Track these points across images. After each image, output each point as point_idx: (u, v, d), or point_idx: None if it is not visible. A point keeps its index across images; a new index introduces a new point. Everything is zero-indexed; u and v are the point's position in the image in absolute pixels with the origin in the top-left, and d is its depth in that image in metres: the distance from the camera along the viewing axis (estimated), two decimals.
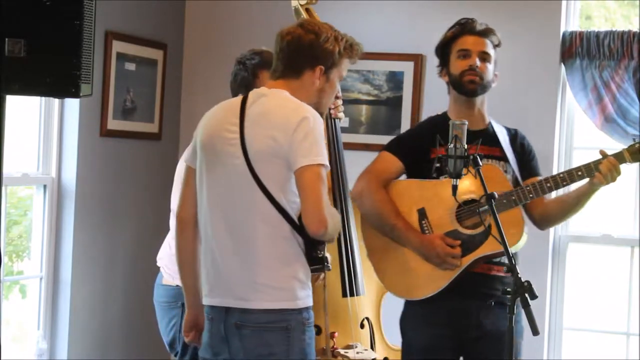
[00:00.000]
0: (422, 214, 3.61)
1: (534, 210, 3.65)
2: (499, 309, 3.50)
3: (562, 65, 4.96)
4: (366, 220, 3.70)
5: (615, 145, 4.80)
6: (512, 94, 4.97)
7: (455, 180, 3.16)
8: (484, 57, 3.62)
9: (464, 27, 3.67)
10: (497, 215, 3.09)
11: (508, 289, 2.96)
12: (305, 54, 3.13)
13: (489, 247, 3.47)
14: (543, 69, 4.97)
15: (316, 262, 3.08)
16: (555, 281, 5.03)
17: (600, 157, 3.47)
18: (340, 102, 3.92)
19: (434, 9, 5.12)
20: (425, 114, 5.12)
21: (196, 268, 3.20)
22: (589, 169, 3.45)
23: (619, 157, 3.43)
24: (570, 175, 3.47)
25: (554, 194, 3.68)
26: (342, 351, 3.72)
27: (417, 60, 5.15)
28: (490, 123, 3.70)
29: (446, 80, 3.69)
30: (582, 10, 5.12)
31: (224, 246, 3.07)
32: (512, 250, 3.44)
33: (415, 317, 3.68)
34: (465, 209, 3.52)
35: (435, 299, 3.57)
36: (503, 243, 3.05)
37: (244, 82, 3.75)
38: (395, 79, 5.21)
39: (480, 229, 3.49)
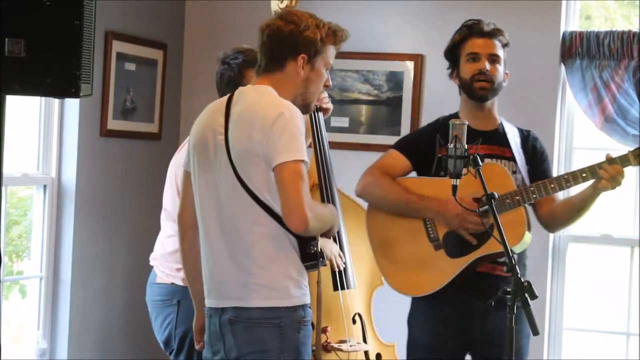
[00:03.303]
0: None
1: (542, 211, 3.66)
2: (503, 309, 3.51)
3: (562, 65, 4.96)
4: (377, 207, 3.70)
5: (615, 145, 4.80)
6: (512, 94, 4.96)
7: (455, 180, 3.16)
8: (494, 59, 3.63)
9: (472, 29, 3.66)
10: (497, 215, 3.10)
11: (508, 289, 2.96)
12: (286, 44, 3.10)
13: (491, 247, 3.48)
14: (543, 69, 4.97)
15: (310, 259, 3.06)
16: (555, 281, 5.03)
17: (604, 159, 3.47)
18: (325, 93, 3.88)
19: (434, 9, 5.12)
20: (425, 114, 5.12)
21: (201, 272, 3.20)
22: (593, 171, 3.45)
23: (624, 160, 3.43)
24: (575, 177, 3.47)
25: (561, 196, 3.67)
26: (335, 345, 3.72)
27: (417, 60, 5.15)
28: (501, 123, 3.71)
29: (457, 83, 3.70)
30: (582, 10, 5.12)
31: (218, 248, 3.07)
32: (517, 248, 3.46)
33: (420, 315, 3.70)
34: (470, 208, 3.52)
35: (440, 298, 3.58)
36: (503, 242, 3.05)
37: (231, 81, 3.73)
38: (395, 79, 5.21)
39: (484, 229, 3.50)
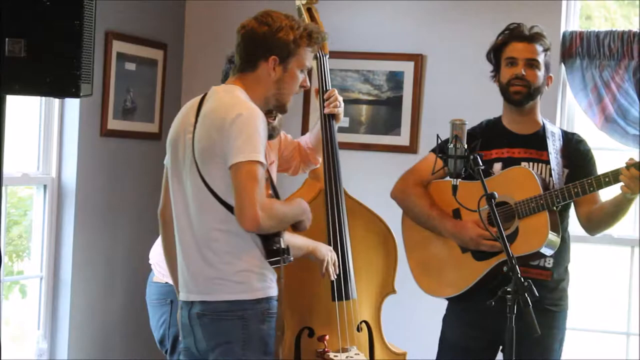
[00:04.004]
0: (456, 214, 3.71)
1: (581, 213, 3.70)
2: (536, 312, 3.53)
3: (562, 65, 4.96)
4: (406, 215, 3.83)
5: (615, 145, 4.80)
6: None
7: (455, 180, 3.17)
8: (532, 63, 3.65)
9: (512, 33, 3.71)
10: (497, 214, 3.11)
11: (508, 289, 2.97)
12: (259, 45, 3.15)
13: (516, 249, 3.48)
14: None
15: (274, 255, 3.11)
16: None
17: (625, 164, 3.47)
18: (334, 98, 3.89)
19: (434, 9, 5.12)
20: (426, 113, 5.12)
21: None
22: (615, 176, 3.45)
23: None
24: (597, 181, 3.48)
25: (603, 198, 3.68)
26: (331, 354, 3.72)
27: (417, 60, 5.15)
28: (543, 126, 3.72)
29: (498, 86, 3.73)
30: (582, 10, 5.12)
31: (187, 243, 3.15)
32: (546, 251, 3.48)
33: (452, 315, 3.81)
34: (498, 211, 3.52)
35: (472, 300, 3.64)
36: (503, 242, 3.05)
37: None
38: (395, 79, 5.21)
39: (509, 232, 3.53)
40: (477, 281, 3.62)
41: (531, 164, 3.65)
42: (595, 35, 4.86)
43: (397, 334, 3.95)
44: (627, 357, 4.99)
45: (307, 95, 5.26)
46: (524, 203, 3.51)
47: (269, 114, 3.53)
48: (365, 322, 3.92)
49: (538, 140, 3.69)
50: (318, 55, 3.93)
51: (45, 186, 4.79)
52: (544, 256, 3.55)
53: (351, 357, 3.77)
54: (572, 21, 5.03)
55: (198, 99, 3.21)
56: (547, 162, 3.66)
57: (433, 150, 3.78)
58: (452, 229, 3.66)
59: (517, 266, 3.02)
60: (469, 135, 3.73)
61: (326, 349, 3.74)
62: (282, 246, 3.11)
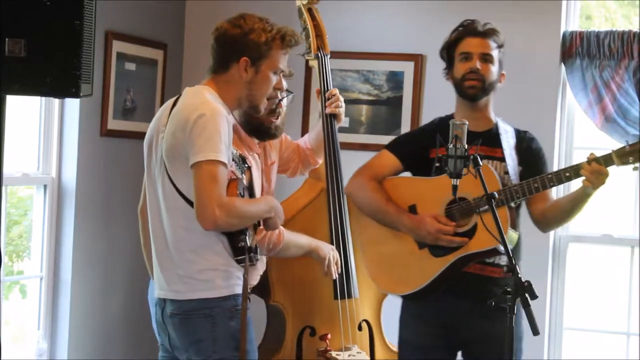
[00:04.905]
0: (412, 210, 3.66)
1: (534, 211, 3.68)
2: (495, 310, 3.52)
3: (562, 65, 4.96)
4: (361, 211, 3.75)
5: (615, 145, 4.80)
6: (512, 94, 4.97)
7: (455, 180, 3.16)
8: (486, 58, 3.63)
9: (466, 29, 3.68)
10: (496, 214, 3.10)
11: (508, 289, 2.96)
12: (231, 47, 3.21)
13: (474, 246, 3.48)
14: (543, 69, 4.97)
15: (240, 253, 3.13)
16: (555, 281, 5.03)
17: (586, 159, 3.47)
18: (336, 98, 3.89)
19: (434, 9, 5.12)
20: (426, 113, 5.12)
21: None
22: (576, 171, 3.45)
23: (607, 160, 3.42)
24: (558, 176, 3.47)
25: (555, 195, 3.68)
26: (333, 353, 3.73)
27: (417, 60, 5.15)
28: (496, 124, 3.71)
29: (452, 83, 3.70)
30: (582, 10, 5.12)
31: (159, 241, 3.20)
32: (501, 248, 3.45)
33: (409, 315, 3.72)
34: (456, 207, 3.53)
35: (429, 299, 3.60)
36: (503, 243, 3.05)
37: None
38: (395, 79, 5.21)
39: (467, 228, 3.50)
40: (434, 278, 3.57)
41: (486, 161, 3.59)
42: (595, 35, 4.86)
43: (396, 334, 3.94)
44: (627, 357, 4.99)
45: (307, 95, 5.26)
46: (482, 198, 3.47)
47: (271, 113, 3.54)
48: (366, 321, 3.92)
49: (492, 137, 3.65)
50: (319, 55, 3.94)
51: (45, 186, 4.79)
52: (499, 253, 3.53)
53: (353, 355, 3.77)
54: (572, 21, 5.03)
55: (172, 100, 3.26)
56: (502, 159, 3.63)
57: (387, 147, 3.76)
58: (410, 224, 3.60)
59: (517, 265, 3.01)
60: (423, 134, 3.74)
61: (328, 348, 3.74)
62: (248, 244, 3.13)
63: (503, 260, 3.56)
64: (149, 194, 3.26)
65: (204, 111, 3.06)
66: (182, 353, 3.21)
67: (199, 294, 3.13)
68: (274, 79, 3.26)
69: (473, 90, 3.62)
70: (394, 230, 3.67)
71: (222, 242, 3.14)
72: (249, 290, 3.22)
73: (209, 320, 3.12)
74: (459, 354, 3.75)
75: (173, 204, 3.13)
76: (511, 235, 3.51)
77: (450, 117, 3.70)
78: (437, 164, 3.49)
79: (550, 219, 3.67)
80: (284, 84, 3.38)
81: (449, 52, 3.72)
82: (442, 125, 3.68)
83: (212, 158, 3.01)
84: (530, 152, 3.71)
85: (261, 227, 3.30)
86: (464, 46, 3.65)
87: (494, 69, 3.64)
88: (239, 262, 3.14)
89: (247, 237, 3.13)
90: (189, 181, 3.06)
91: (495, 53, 3.65)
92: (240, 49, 3.19)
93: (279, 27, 3.25)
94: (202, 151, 3.01)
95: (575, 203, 3.57)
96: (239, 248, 3.13)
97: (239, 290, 3.15)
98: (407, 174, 3.79)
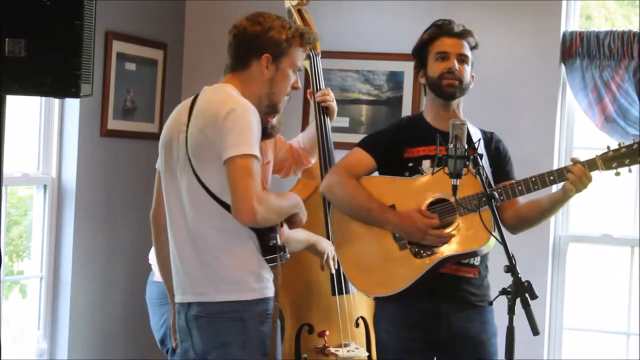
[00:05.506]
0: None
1: (505, 213, 3.60)
2: (470, 310, 3.51)
3: (562, 65, 4.96)
4: (339, 209, 3.64)
5: (615, 145, 4.80)
6: (512, 94, 4.97)
7: (455, 180, 3.15)
8: (462, 59, 3.61)
9: (441, 29, 3.65)
10: (497, 214, 3.10)
11: (508, 289, 2.95)
12: (251, 44, 3.16)
13: (458, 247, 3.46)
14: (543, 69, 4.97)
15: (270, 252, 3.07)
16: (555, 281, 5.03)
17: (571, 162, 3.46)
18: (327, 90, 3.90)
19: (434, 9, 5.11)
20: None
21: None
22: (560, 174, 3.44)
23: (591, 164, 3.40)
24: (542, 180, 3.45)
25: (522, 198, 3.64)
26: (332, 349, 3.73)
27: None
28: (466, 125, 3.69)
29: (423, 82, 3.68)
30: (582, 10, 5.12)
31: (182, 243, 3.12)
32: (482, 250, 3.44)
33: (386, 318, 3.63)
34: (437, 208, 3.50)
35: (405, 300, 3.52)
36: (503, 242, 3.04)
37: None
38: (395, 79, 5.21)
39: (448, 229, 3.47)
40: (416, 280, 3.48)
41: None
42: (595, 35, 4.86)
43: None
44: (627, 357, 4.99)
45: (306, 95, 5.26)
46: (465, 200, 3.43)
47: (269, 113, 3.54)
48: (362, 317, 3.93)
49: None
50: (311, 54, 3.95)
51: (45, 186, 4.79)
52: (477, 254, 3.51)
53: (352, 351, 3.78)
54: (572, 21, 5.03)
55: (190, 99, 3.22)
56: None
57: (360, 145, 3.69)
58: (397, 221, 3.50)
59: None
60: (395, 132, 3.70)
61: (326, 344, 3.74)
62: (279, 243, 3.08)
63: (477, 260, 3.55)
64: (168, 196, 3.17)
65: (234, 106, 3.01)
66: (205, 356, 3.11)
67: (229, 295, 3.04)
68: (292, 76, 3.23)
69: (452, 89, 3.58)
70: (372, 230, 3.58)
71: (253, 240, 3.07)
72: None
73: (238, 324, 3.04)
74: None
75: (201, 204, 3.05)
76: (492, 238, 3.49)
77: (419, 116, 3.69)
78: (411, 164, 3.48)
79: (524, 219, 3.61)
80: (300, 83, 3.35)
81: (421, 51, 3.68)
82: (411, 123, 3.68)
83: (245, 152, 2.95)
84: (498, 153, 3.68)
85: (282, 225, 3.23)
86: (440, 45, 3.62)
87: (469, 69, 3.63)
88: (269, 261, 3.07)
89: (277, 235, 3.08)
90: (220, 180, 3.00)
91: (469, 54, 3.64)
92: (261, 46, 3.15)
93: (296, 25, 3.25)
94: (235, 145, 2.95)
95: (553, 205, 3.53)
96: (269, 247, 3.07)
97: (269, 293, 3.07)
98: (375, 174, 3.73)
